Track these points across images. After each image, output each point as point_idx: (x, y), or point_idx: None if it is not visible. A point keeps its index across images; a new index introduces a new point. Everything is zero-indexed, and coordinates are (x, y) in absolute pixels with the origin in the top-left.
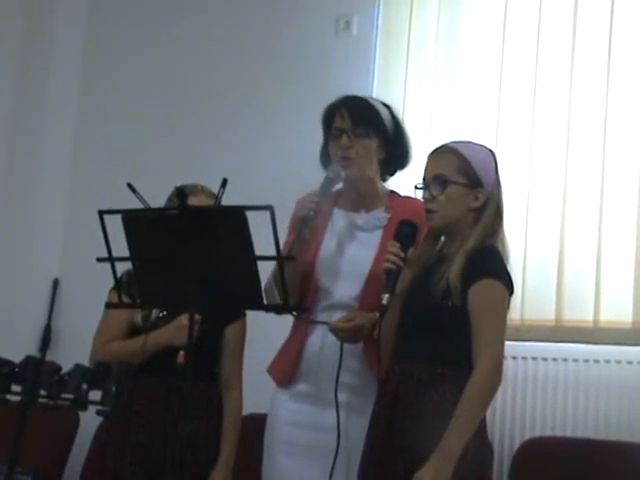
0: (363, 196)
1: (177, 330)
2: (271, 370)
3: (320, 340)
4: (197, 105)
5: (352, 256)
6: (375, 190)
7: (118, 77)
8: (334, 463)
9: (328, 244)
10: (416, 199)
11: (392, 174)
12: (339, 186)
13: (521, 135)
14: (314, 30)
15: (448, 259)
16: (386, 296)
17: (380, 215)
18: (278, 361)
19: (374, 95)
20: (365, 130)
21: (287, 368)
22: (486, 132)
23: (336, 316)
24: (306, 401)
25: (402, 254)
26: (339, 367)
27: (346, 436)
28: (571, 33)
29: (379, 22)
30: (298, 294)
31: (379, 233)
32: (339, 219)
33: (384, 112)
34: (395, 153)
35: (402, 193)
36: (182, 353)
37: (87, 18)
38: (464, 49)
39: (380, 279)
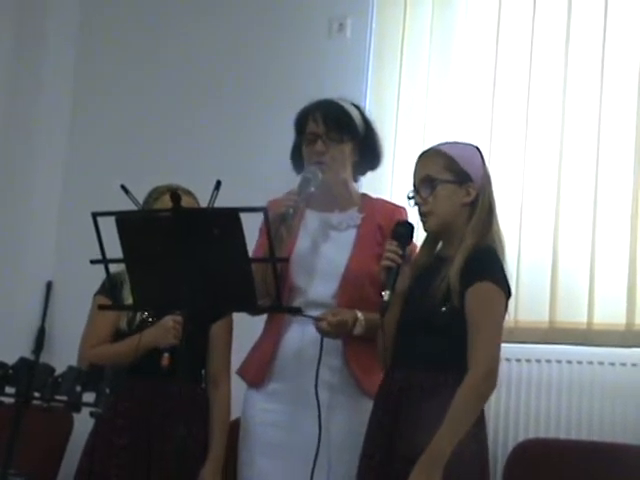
0: (337, 198)
1: (162, 331)
2: (242, 371)
3: (299, 337)
4: (191, 107)
5: (327, 255)
6: (348, 192)
7: (112, 78)
8: (315, 460)
9: (302, 244)
10: (388, 201)
11: (363, 174)
12: (313, 189)
13: (515, 136)
14: (308, 32)
15: (447, 261)
16: (387, 293)
17: (354, 215)
18: (250, 361)
19: (368, 98)
20: (339, 135)
21: (260, 367)
22: (480, 133)
23: (313, 314)
24: (282, 400)
25: (400, 251)
26: (319, 363)
27: (327, 434)
28: (565, 34)
29: (373, 24)
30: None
31: (353, 232)
32: (312, 220)
33: (355, 114)
34: (367, 154)
35: (393, 191)
36: (166, 355)
37: (80, 18)
38: (458, 52)
39: (355, 278)
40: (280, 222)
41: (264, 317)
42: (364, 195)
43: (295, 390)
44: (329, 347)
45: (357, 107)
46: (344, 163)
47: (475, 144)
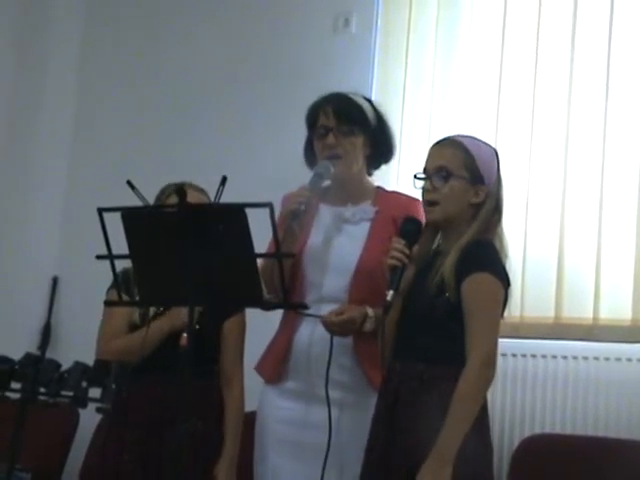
0: (349, 191)
1: (175, 312)
2: (259, 367)
3: (309, 335)
4: (195, 103)
5: (340, 249)
6: (361, 186)
7: (116, 75)
8: (325, 460)
9: (315, 238)
10: (403, 194)
11: (377, 168)
12: (327, 182)
13: (521, 132)
14: (313, 28)
15: (443, 255)
16: (391, 292)
17: (367, 208)
18: (266, 357)
19: (373, 93)
20: (350, 128)
21: (276, 364)
22: (485, 129)
23: (325, 309)
24: (296, 398)
25: (407, 251)
26: (329, 362)
27: (338, 433)
28: (570, 32)
29: (378, 20)
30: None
31: (367, 226)
32: (325, 214)
33: (367, 107)
34: (380, 148)
35: (401, 186)
36: (185, 336)
37: (84, 18)
38: (463, 47)
39: (368, 271)
40: (292, 219)
41: (280, 313)
42: (378, 188)
43: (308, 388)
44: (340, 345)
45: (369, 100)
46: (356, 156)
47: (493, 146)
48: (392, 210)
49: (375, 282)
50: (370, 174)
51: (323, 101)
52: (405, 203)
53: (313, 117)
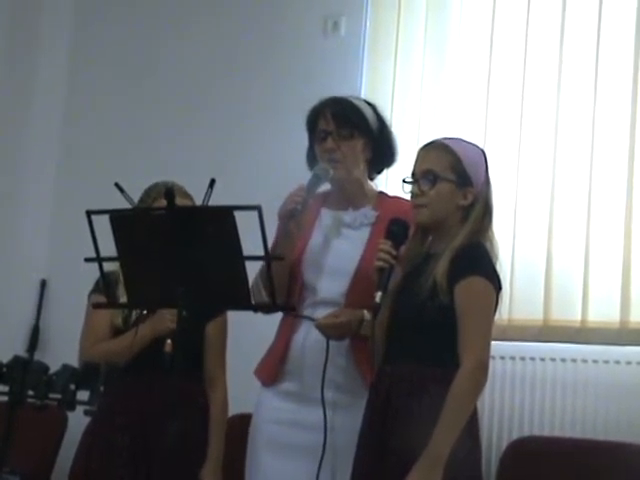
0: (350, 195)
1: (158, 318)
2: (257, 371)
3: (306, 337)
4: (185, 105)
5: (339, 253)
6: (362, 190)
7: (106, 76)
8: (321, 461)
9: (315, 242)
10: (405, 199)
11: (379, 172)
12: (326, 185)
13: (509, 135)
14: (302, 31)
15: (435, 258)
16: (379, 294)
17: (368, 213)
18: (264, 361)
19: (362, 96)
20: (350, 132)
21: (272, 367)
22: (474, 132)
23: (322, 312)
24: (291, 399)
25: (394, 252)
26: (325, 365)
27: (332, 434)
28: (559, 34)
29: (367, 23)
30: (285, 291)
31: (367, 230)
32: (327, 218)
33: (368, 112)
34: (381, 152)
35: (390, 189)
36: (168, 342)
37: (74, 16)
38: (452, 49)
39: (367, 276)
40: (288, 219)
41: (280, 316)
42: (380, 193)
43: (303, 390)
44: (336, 346)
45: (371, 105)
46: (356, 160)
47: (480, 147)
48: (393, 215)
49: (373, 286)
50: (372, 178)
51: (322, 105)
52: (406, 208)
53: (313, 121)
